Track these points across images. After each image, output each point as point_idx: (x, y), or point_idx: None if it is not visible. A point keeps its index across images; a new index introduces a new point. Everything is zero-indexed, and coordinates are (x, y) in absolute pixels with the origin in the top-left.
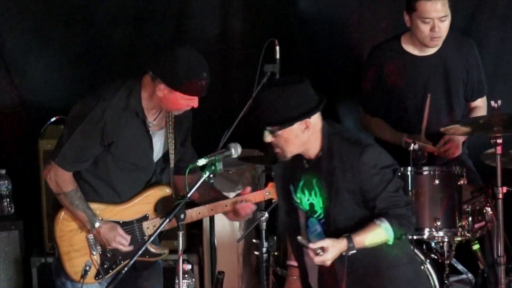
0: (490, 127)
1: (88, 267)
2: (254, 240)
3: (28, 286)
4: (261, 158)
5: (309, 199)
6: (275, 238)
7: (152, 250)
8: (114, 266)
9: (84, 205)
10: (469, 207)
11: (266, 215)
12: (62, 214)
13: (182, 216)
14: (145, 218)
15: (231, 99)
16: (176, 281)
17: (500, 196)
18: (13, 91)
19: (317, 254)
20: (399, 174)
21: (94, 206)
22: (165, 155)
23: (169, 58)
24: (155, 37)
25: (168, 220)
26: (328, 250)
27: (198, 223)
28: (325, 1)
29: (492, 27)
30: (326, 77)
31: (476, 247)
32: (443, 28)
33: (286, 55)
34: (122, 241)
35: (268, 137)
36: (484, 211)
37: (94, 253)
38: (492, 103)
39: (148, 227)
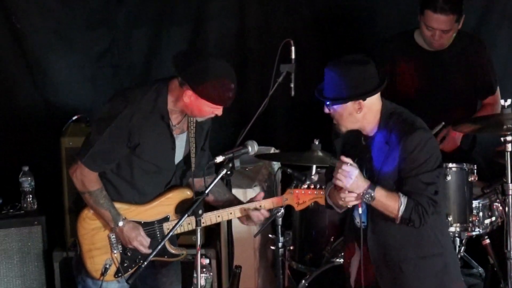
0: (500, 125)
1: (108, 265)
2: (270, 235)
3: (51, 280)
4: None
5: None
6: (290, 233)
7: (171, 250)
8: (133, 265)
9: (109, 204)
10: (480, 203)
11: (282, 210)
12: (86, 213)
13: (200, 212)
14: (166, 219)
15: (248, 98)
16: (194, 275)
17: (510, 192)
18: (36, 91)
19: (345, 163)
20: (439, 174)
21: (116, 205)
22: (186, 158)
23: (201, 66)
24: (175, 38)
25: (186, 215)
26: (355, 168)
27: None
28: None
29: (502, 27)
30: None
31: (486, 242)
32: (445, 37)
33: (302, 54)
34: (143, 242)
35: (325, 109)
36: (494, 207)
37: (115, 251)
38: (502, 101)
39: (168, 228)
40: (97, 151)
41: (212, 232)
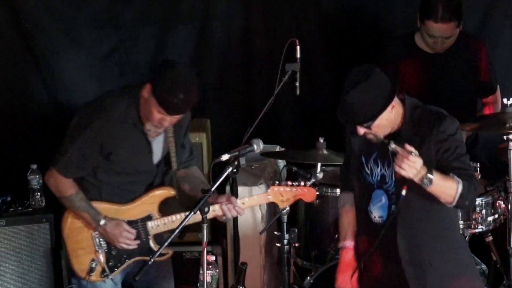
0: (502, 123)
1: (94, 264)
2: (276, 232)
3: (58, 277)
4: None
5: (382, 170)
6: (296, 230)
7: (156, 250)
8: (119, 265)
9: (86, 206)
10: (483, 200)
11: (287, 208)
12: (69, 213)
13: (206, 209)
14: (149, 217)
15: (253, 97)
16: (201, 272)
17: None
18: (44, 89)
19: (410, 153)
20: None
21: (98, 205)
22: (166, 157)
23: (166, 70)
24: (181, 37)
25: (192, 213)
26: (420, 157)
27: None
28: (343, 0)
29: (504, 27)
30: (345, 75)
31: (489, 239)
32: (448, 42)
33: (307, 53)
34: (128, 236)
35: (361, 131)
36: (497, 204)
37: (100, 251)
38: (505, 100)
39: (152, 227)
40: (69, 159)
41: (218, 229)
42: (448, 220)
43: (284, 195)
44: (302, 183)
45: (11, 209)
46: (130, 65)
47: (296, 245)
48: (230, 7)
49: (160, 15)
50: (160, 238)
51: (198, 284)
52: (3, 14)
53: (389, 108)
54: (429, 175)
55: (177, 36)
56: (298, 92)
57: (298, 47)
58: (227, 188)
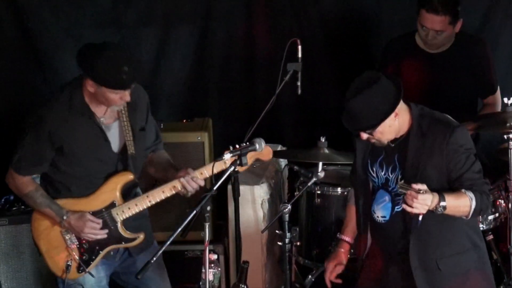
0: (503, 123)
1: (69, 261)
2: (277, 231)
3: None
4: None
5: (386, 174)
6: (297, 229)
7: (126, 235)
8: (94, 257)
9: (48, 202)
10: None
11: (289, 207)
12: (35, 214)
13: (208, 208)
14: (112, 205)
15: (255, 96)
16: (203, 270)
17: None
18: (47, 89)
19: (419, 193)
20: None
21: (63, 202)
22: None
23: (94, 55)
24: (183, 37)
25: (194, 211)
26: (428, 192)
27: (224, 214)
28: (344, 0)
29: (505, 26)
30: (346, 75)
31: (490, 237)
32: (438, 39)
33: (308, 53)
34: (93, 225)
35: (364, 136)
36: (498, 203)
37: (72, 247)
38: (505, 100)
39: (118, 213)
40: (21, 157)
41: (220, 228)
42: (457, 226)
43: (242, 158)
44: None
45: (14, 208)
46: None
47: (298, 243)
48: (231, 7)
49: (162, 15)
50: (128, 223)
51: (200, 283)
52: (6, 14)
53: (392, 116)
54: (442, 203)
55: (179, 36)
56: (299, 91)
57: (299, 47)
58: (229, 187)
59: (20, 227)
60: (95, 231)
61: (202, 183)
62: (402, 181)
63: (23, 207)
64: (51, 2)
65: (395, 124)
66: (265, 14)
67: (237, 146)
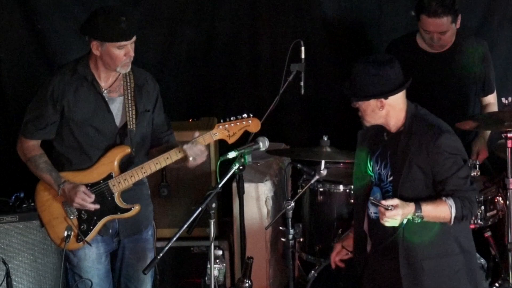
0: (501, 122)
1: (69, 231)
2: (281, 228)
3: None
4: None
5: (379, 169)
6: (300, 225)
7: (122, 206)
8: (91, 227)
9: (49, 168)
10: (482, 196)
11: (292, 204)
12: (38, 186)
13: (213, 205)
14: (110, 176)
15: (259, 96)
16: (208, 266)
17: (510, 186)
18: None
19: (387, 209)
20: (468, 164)
21: (64, 174)
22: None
23: (92, 17)
24: (188, 38)
25: (200, 208)
26: (398, 207)
27: (229, 211)
28: (346, 2)
29: (503, 27)
30: (348, 75)
31: (488, 234)
32: (444, 38)
33: (311, 54)
34: (85, 197)
35: (352, 103)
36: (496, 200)
37: (71, 217)
38: (503, 99)
39: (114, 185)
40: (28, 120)
41: (225, 224)
42: (443, 229)
43: (230, 130)
44: (245, 115)
45: (24, 205)
46: (138, 65)
47: (301, 240)
48: (236, 8)
49: (168, 16)
50: (126, 195)
51: (206, 278)
52: (16, 15)
53: (374, 102)
54: (418, 213)
55: (184, 37)
56: (302, 91)
57: (302, 48)
58: (234, 184)
59: (30, 224)
60: (84, 203)
61: (202, 148)
62: (372, 198)
63: (32, 204)
64: (61, 3)
65: (379, 113)
66: (269, 16)
67: (228, 119)
